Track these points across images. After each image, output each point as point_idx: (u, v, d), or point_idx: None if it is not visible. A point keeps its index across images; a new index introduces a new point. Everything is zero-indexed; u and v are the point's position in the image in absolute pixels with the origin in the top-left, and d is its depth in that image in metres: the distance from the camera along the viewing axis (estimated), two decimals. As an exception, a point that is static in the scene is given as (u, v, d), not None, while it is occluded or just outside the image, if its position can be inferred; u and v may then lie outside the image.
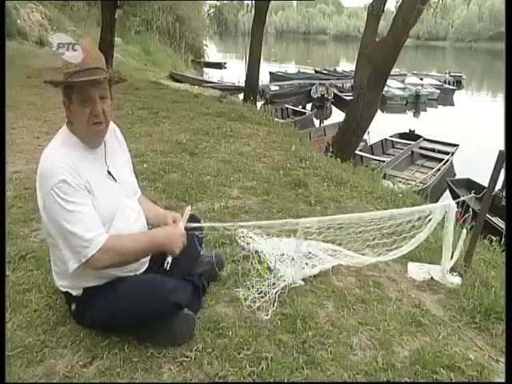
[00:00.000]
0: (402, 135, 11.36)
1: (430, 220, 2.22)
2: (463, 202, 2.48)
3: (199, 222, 2.05)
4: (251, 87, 10.99)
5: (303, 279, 2.10)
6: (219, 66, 28.05)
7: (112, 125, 1.64)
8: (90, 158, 1.53)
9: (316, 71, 26.73)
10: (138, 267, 1.66)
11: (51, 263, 1.62)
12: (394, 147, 10.73)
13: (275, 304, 1.87)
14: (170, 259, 1.58)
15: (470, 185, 6.90)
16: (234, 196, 3.17)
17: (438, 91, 20.38)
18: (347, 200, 3.32)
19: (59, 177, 1.38)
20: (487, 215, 5.14)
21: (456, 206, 2.19)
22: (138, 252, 1.54)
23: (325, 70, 27.25)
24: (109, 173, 1.58)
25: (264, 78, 17.82)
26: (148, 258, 1.73)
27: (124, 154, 1.74)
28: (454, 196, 6.80)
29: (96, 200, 1.47)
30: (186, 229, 1.69)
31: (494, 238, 3.20)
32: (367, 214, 2.19)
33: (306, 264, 2.16)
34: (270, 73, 24.17)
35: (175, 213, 1.79)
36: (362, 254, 2.35)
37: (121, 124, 1.71)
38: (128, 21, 18.68)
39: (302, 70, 26.94)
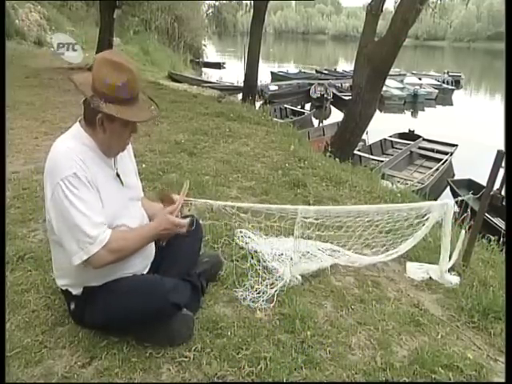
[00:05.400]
0: (401, 135, 11.33)
1: (427, 218, 2.22)
2: (462, 201, 2.48)
3: (199, 222, 2.05)
4: (250, 87, 10.98)
5: (302, 276, 2.10)
6: (218, 65, 28.01)
7: None
8: (102, 159, 1.54)
9: (317, 71, 26.74)
10: (141, 270, 1.66)
11: (52, 262, 1.62)
12: (393, 147, 10.70)
13: (274, 304, 1.87)
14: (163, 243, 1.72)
15: (471, 185, 6.88)
16: (232, 196, 3.17)
17: (437, 91, 20.37)
18: (346, 200, 3.32)
19: (71, 170, 1.38)
20: (488, 216, 5.15)
21: (454, 205, 2.19)
22: (137, 248, 1.56)
23: (325, 69, 27.27)
24: (117, 175, 1.58)
25: (263, 78, 17.80)
26: (150, 261, 1.73)
27: (131, 162, 1.75)
28: (456, 196, 6.79)
29: (101, 199, 1.47)
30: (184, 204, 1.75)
31: (492, 238, 3.20)
32: (365, 206, 2.20)
33: (305, 259, 2.16)
34: (272, 73, 24.16)
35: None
36: (361, 254, 2.35)
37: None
38: (127, 21, 18.71)
39: (303, 70, 26.94)
